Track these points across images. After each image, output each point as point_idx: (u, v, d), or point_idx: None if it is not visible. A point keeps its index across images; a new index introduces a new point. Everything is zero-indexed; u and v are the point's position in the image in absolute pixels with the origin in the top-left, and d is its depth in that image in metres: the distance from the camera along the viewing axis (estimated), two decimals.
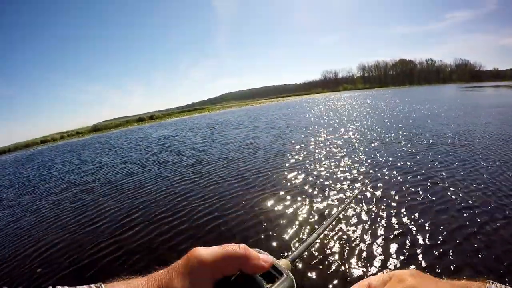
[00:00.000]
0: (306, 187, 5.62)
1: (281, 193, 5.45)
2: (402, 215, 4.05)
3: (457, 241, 3.33)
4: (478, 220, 3.72)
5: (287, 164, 7.54)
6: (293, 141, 10.82)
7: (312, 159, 7.88)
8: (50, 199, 8.09)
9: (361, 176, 5.94)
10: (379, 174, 5.85)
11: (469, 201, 4.26)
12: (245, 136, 13.91)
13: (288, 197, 5.19)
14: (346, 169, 6.55)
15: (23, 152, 38.10)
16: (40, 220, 6.36)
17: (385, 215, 4.11)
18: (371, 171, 6.15)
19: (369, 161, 6.99)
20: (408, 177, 5.49)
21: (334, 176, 6.15)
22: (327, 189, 5.41)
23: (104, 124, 60.68)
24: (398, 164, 6.46)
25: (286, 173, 6.77)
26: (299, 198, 5.09)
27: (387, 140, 9.27)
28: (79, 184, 9.27)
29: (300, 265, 3.19)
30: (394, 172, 5.89)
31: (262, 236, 3.94)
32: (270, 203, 5.03)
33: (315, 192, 5.30)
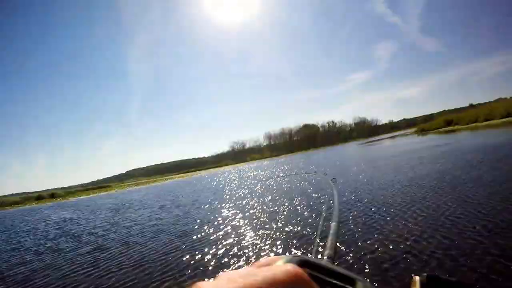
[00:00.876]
0: (206, 268, 5.81)
1: (180, 279, 5.57)
2: None
3: None
4: None
5: (187, 246, 7.66)
6: (197, 220, 11.01)
7: (213, 238, 8.08)
8: None
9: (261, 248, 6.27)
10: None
11: None
12: (149, 217, 13.83)
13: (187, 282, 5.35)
14: (248, 245, 6.82)
15: None
16: None
17: None
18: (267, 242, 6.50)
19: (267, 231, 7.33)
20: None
21: (235, 257, 6.33)
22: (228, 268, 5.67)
23: None
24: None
25: (186, 255, 6.84)
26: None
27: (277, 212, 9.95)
28: None
29: None
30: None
31: None
32: None
33: (216, 273, 5.47)
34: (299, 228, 7.36)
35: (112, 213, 17.92)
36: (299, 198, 11.35)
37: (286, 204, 10.87)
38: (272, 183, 19.76)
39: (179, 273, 5.80)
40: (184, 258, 6.66)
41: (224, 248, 6.91)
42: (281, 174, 25.69)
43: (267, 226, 8.27)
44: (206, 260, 6.28)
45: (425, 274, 0.44)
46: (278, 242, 6.59)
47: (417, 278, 0.45)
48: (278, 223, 8.25)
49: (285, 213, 9.48)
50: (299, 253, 4.81)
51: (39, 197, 57.75)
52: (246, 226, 8.77)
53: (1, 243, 13.04)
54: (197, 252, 6.93)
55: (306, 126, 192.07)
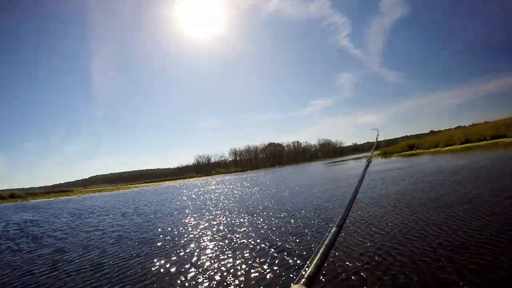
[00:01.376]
0: (165, 274, 6.19)
1: (138, 284, 5.93)
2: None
3: None
4: None
5: (147, 253, 7.94)
6: (159, 229, 11.26)
7: (172, 245, 8.40)
8: None
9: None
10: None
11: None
12: (110, 224, 14.03)
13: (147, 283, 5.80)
14: (205, 254, 7.21)
15: None
16: None
17: None
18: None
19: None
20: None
21: (194, 265, 6.74)
22: (184, 275, 6.10)
23: None
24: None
25: (146, 261, 7.15)
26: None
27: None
28: None
29: None
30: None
31: None
32: None
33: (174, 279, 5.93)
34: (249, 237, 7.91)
35: (74, 218, 17.79)
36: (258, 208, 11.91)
37: (250, 215, 11.43)
38: (234, 194, 20.16)
39: (138, 278, 6.07)
40: (143, 264, 6.91)
41: (183, 257, 7.22)
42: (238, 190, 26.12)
43: (227, 235, 8.80)
44: (164, 267, 6.60)
45: None
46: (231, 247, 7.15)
47: None
48: (235, 233, 8.79)
49: (245, 223, 10.02)
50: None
51: None
52: (206, 235, 9.21)
53: None
54: (155, 260, 7.20)
55: (271, 144, 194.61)
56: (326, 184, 20.26)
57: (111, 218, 15.87)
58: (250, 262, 6.24)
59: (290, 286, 0.53)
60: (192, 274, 5.97)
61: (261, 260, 6.23)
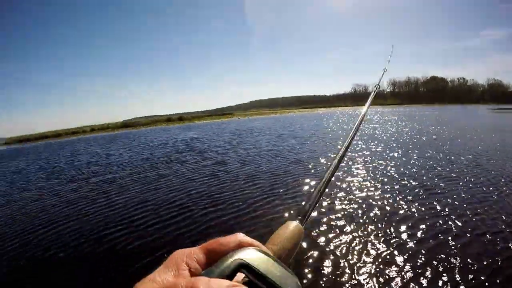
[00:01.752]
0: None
1: (285, 196, 5.82)
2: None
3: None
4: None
5: (298, 171, 7.85)
6: (312, 151, 11.05)
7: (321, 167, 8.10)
8: (73, 185, 8.69)
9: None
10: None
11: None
12: (266, 143, 14.26)
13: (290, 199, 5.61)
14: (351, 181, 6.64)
15: (55, 140, 39.97)
16: (60, 201, 6.97)
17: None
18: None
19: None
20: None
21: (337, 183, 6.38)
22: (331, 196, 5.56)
23: (133, 121, 62.29)
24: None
25: (296, 178, 7.12)
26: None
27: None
28: (100, 175, 9.89)
29: None
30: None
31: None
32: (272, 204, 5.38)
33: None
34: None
35: (234, 136, 18.89)
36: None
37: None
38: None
39: (286, 192, 6.13)
40: (293, 180, 7.00)
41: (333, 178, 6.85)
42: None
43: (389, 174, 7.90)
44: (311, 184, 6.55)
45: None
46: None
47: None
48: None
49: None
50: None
51: (168, 119, 64.28)
52: (359, 166, 8.38)
53: (134, 154, 14.84)
54: (306, 176, 7.29)
55: (434, 79, 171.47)
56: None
57: (267, 139, 16.16)
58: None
59: (285, 222, 0.56)
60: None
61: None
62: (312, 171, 7.88)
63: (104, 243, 4.41)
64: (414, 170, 7.43)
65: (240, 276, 0.38)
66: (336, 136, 15.99)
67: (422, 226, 4.20)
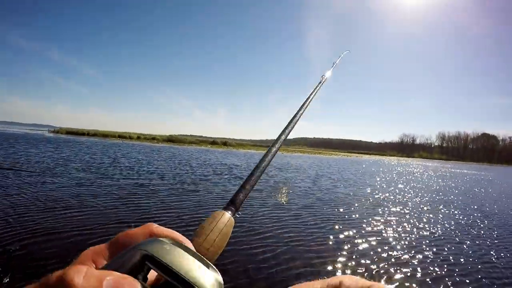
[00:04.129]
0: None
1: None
2: None
3: None
4: None
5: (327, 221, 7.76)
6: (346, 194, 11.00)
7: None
8: (110, 184, 9.22)
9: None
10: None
11: None
12: (300, 181, 14.43)
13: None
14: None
15: (101, 140, 42.31)
16: (94, 196, 7.25)
17: None
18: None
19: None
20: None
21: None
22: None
23: (179, 137, 64.11)
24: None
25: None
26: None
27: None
28: (133, 180, 10.49)
29: None
30: None
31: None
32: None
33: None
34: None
35: (272, 169, 19.09)
36: None
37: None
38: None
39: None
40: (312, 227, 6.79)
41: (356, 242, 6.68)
42: None
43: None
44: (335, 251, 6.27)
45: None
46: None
47: None
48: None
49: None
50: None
51: (213, 142, 65.99)
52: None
53: (175, 168, 15.59)
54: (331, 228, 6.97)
55: (485, 135, 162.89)
56: None
57: (303, 177, 16.38)
58: None
59: (213, 213, 0.54)
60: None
61: None
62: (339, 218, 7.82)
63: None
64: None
65: (155, 274, 0.38)
66: (374, 188, 15.73)
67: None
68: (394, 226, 7.18)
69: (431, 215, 8.88)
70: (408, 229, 7.06)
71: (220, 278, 0.37)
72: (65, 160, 14.61)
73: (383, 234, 6.42)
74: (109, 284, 0.28)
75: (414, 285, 4.09)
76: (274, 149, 0.85)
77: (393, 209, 9.39)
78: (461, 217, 8.99)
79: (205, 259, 0.38)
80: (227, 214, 0.56)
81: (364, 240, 5.82)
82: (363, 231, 6.48)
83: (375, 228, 6.82)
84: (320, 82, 1.48)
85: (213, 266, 0.38)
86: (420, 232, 6.86)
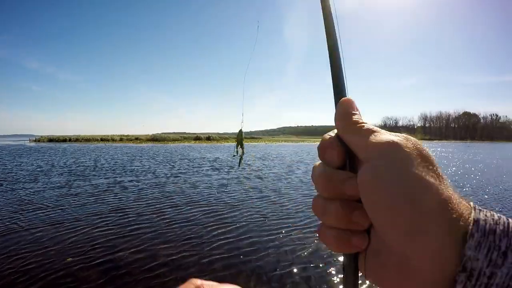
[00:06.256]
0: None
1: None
2: None
3: None
4: None
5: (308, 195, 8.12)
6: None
7: None
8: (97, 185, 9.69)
9: None
10: None
11: None
12: (284, 168, 14.94)
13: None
14: None
15: (83, 145, 41.92)
16: (81, 198, 7.49)
17: None
18: None
19: None
20: None
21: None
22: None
23: (162, 136, 63.39)
24: None
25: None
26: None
27: None
28: (118, 182, 10.44)
29: None
30: None
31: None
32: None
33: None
34: None
35: (257, 160, 19.75)
36: None
37: None
38: None
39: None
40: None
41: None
42: None
43: None
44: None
45: None
46: None
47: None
48: None
49: None
50: None
51: (197, 137, 65.53)
52: None
53: (157, 165, 15.98)
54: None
55: (466, 114, 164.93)
56: None
57: (285, 166, 16.70)
58: None
59: None
60: None
61: None
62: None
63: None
64: None
65: None
66: None
67: None
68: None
69: None
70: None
71: None
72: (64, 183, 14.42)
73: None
74: None
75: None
76: None
77: None
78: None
79: None
80: None
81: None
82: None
83: None
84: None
85: None
86: None
